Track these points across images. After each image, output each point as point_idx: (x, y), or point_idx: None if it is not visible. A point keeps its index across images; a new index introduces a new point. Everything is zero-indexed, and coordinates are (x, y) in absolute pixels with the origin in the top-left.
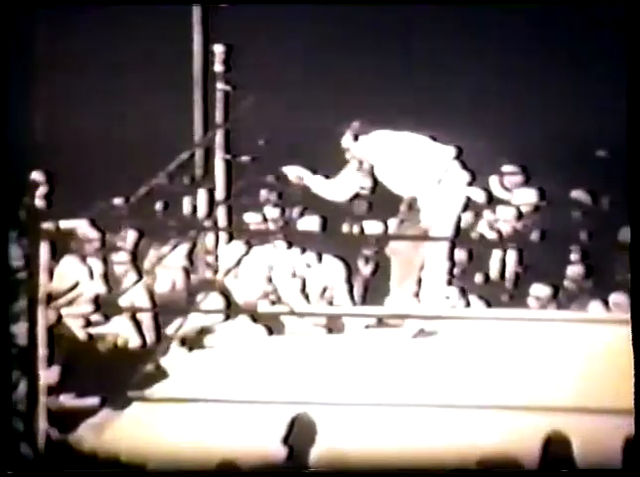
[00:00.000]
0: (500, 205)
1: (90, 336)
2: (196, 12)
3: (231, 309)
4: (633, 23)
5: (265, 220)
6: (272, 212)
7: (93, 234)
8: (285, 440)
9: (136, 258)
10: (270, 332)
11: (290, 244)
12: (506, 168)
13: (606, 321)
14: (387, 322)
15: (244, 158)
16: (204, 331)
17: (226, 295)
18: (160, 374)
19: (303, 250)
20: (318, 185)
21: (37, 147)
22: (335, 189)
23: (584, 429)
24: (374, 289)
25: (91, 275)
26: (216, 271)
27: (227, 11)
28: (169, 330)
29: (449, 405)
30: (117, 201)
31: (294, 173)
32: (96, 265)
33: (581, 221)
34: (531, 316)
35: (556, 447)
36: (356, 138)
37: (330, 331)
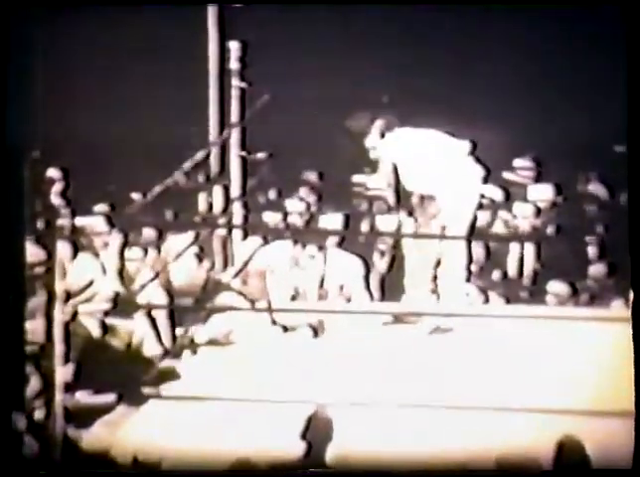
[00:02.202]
0: (517, 201)
1: (105, 333)
2: (211, 10)
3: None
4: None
5: (286, 217)
6: (297, 206)
7: (106, 230)
8: (302, 437)
9: (159, 255)
10: (285, 330)
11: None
12: (517, 162)
13: (608, 320)
14: (403, 319)
15: (260, 155)
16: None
17: (241, 294)
18: (175, 372)
19: (304, 245)
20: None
21: (54, 145)
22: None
23: (599, 430)
24: (390, 285)
25: (104, 272)
26: (231, 269)
27: (242, 9)
28: (184, 330)
29: (465, 407)
30: (133, 198)
31: None
32: (111, 262)
33: (599, 215)
34: (544, 313)
35: (570, 448)
36: (382, 136)
37: (315, 333)
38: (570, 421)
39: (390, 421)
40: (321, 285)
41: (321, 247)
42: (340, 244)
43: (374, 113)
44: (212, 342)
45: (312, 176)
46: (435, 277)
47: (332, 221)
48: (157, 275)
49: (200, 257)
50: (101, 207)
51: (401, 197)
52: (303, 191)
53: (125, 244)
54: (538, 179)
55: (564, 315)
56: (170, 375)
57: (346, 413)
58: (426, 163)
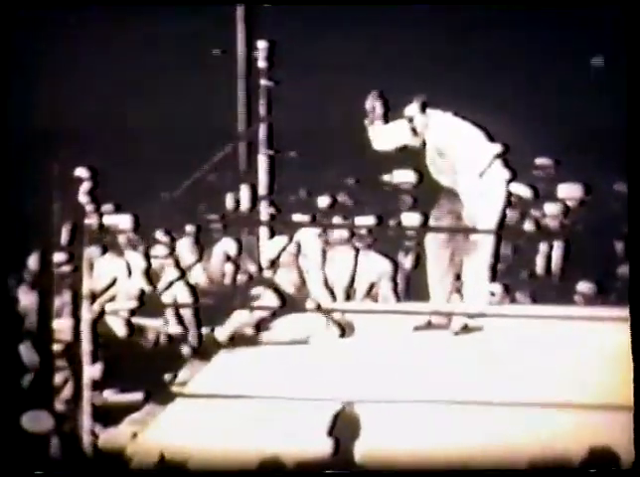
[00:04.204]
0: (547, 201)
1: (132, 332)
2: (240, 11)
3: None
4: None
5: (315, 216)
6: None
7: (133, 228)
8: (329, 435)
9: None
10: (342, 331)
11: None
12: (539, 160)
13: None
14: (435, 324)
15: (290, 153)
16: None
17: (278, 291)
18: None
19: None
20: (376, 129)
21: (82, 143)
22: (384, 135)
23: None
24: (415, 283)
25: (129, 270)
26: (259, 266)
27: (270, 8)
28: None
29: (494, 403)
30: (160, 196)
31: (373, 102)
32: (137, 261)
33: (625, 214)
34: (564, 313)
35: (599, 446)
36: (423, 109)
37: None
38: (598, 418)
39: (418, 419)
40: (351, 285)
41: (355, 248)
42: (370, 246)
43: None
44: (241, 340)
45: (348, 179)
46: (459, 276)
47: (364, 221)
48: (184, 274)
49: (231, 265)
50: (129, 206)
51: (426, 193)
52: (341, 195)
53: (151, 243)
54: (560, 178)
55: (580, 315)
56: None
57: (374, 411)
58: (455, 154)
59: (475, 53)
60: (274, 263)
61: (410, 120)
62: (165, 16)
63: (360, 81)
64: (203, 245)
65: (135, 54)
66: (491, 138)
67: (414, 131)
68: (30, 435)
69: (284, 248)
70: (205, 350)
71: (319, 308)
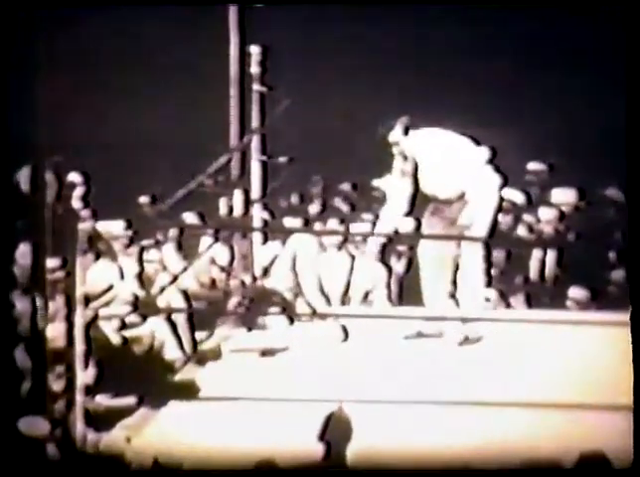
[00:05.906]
0: (541, 206)
1: (125, 338)
2: (232, 13)
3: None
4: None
5: (307, 221)
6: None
7: (126, 234)
8: (321, 437)
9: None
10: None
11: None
12: (532, 165)
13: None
14: (426, 333)
15: (281, 159)
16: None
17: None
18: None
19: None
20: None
21: (75, 149)
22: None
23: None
24: (409, 288)
25: (122, 276)
26: (252, 274)
27: (263, 12)
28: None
29: (481, 404)
30: (153, 202)
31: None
32: (131, 266)
33: (618, 220)
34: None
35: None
36: (406, 132)
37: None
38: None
39: (411, 421)
40: (346, 292)
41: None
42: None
43: (393, 117)
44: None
45: (342, 184)
46: (454, 282)
47: (360, 228)
48: (175, 279)
49: (224, 270)
50: (122, 211)
51: (419, 201)
52: (337, 200)
53: (145, 248)
54: (552, 182)
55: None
56: (190, 387)
57: (366, 413)
58: (447, 166)
59: (471, 53)
60: (267, 270)
61: (396, 145)
62: (158, 17)
63: (355, 85)
64: (188, 251)
65: (127, 57)
66: (479, 144)
67: (404, 157)
68: (27, 440)
69: (277, 255)
70: (199, 354)
71: (314, 313)
